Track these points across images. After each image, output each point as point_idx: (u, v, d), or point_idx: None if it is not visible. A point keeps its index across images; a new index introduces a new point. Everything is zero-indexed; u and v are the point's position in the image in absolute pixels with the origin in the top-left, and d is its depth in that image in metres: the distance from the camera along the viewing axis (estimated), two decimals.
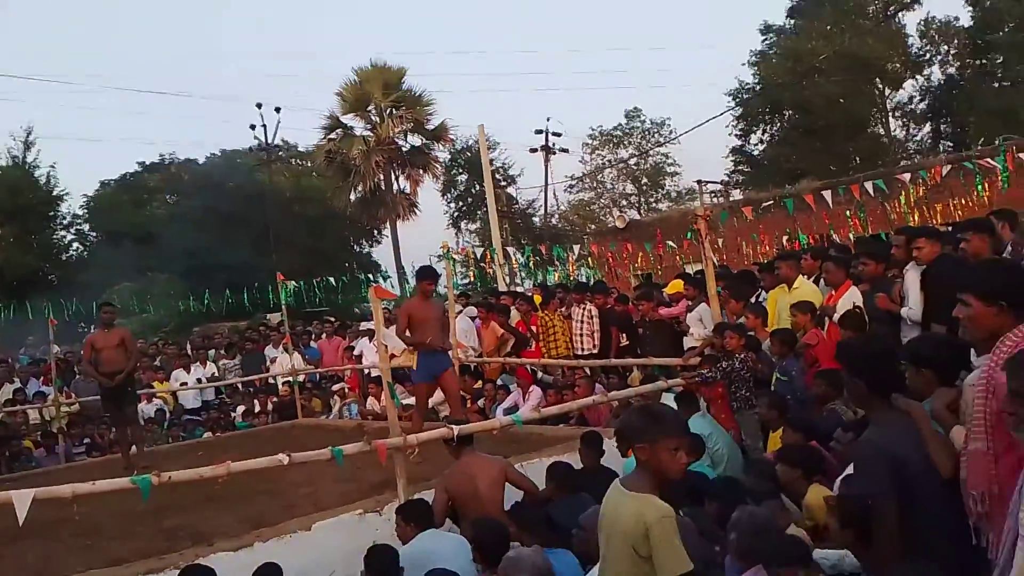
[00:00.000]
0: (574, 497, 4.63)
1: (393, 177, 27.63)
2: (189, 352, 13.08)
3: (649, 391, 6.17)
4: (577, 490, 4.72)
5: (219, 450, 8.68)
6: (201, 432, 10.99)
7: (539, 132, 31.56)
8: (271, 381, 12.02)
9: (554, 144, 32.21)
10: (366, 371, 11.43)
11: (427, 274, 7.31)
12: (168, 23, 73.13)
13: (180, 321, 22.08)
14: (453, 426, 4.78)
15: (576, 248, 17.66)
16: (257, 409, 11.54)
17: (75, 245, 29.58)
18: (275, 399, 11.60)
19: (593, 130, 38.47)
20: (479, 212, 35.52)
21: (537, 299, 10.32)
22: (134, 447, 8.28)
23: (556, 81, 68.31)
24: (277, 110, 25.97)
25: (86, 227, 30.06)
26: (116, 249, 26.78)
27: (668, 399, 6.52)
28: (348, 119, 27.15)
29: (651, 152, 37.71)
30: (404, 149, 27.42)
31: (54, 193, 27.85)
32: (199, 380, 12.11)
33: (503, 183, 34.98)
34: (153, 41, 70.94)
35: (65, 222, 29.17)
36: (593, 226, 35.74)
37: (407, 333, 6.90)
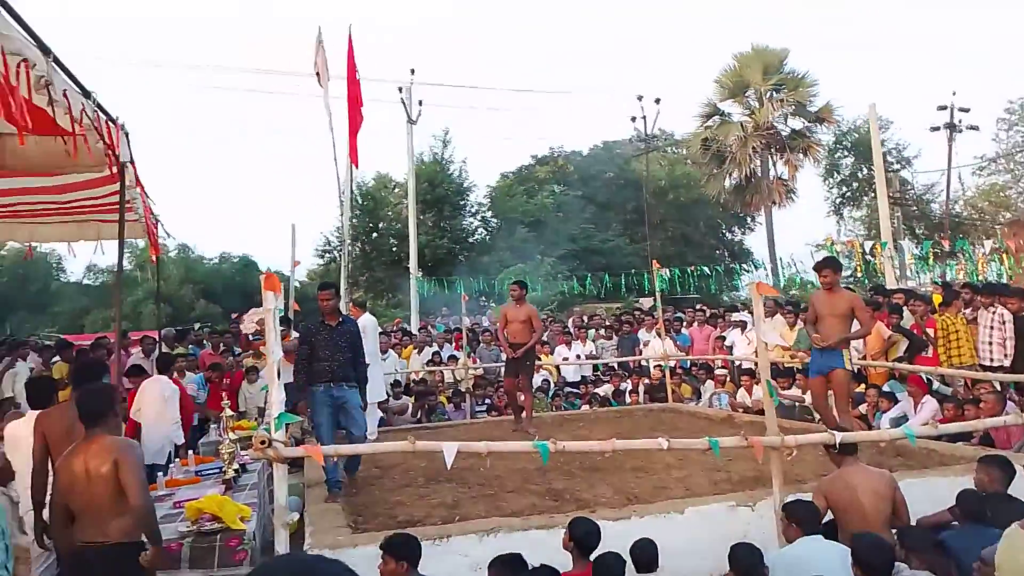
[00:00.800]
0: (974, 527, 4.19)
1: (770, 162, 26.76)
2: (571, 330, 14.16)
3: None
4: (979, 519, 4.26)
5: (597, 424, 9.34)
6: (579, 404, 11.90)
7: (942, 108, 27.88)
8: (643, 363, 12.53)
9: (960, 121, 28.22)
10: (737, 363, 11.38)
11: (821, 264, 7.11)
12: (560, 25, 78.81)
13: (562, 301, 23.98)
14: (836, 432, 4.59)
15: (987, 241, 15.34)
16: (629, 389, 12.15)
17: (479, 230, 33.63)
18: (647, 381, 12.09)
19: (1012, 103, 32.90)
20: (865, 198, 32.69)
21: (936, 299, 9.27)
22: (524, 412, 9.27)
23: (965, 51, 59.34)
24: (657, 101, 26.54)
25: (488, 214, 33.99)
26: (511, 234, 29.91)
27: None
28: (726, 105, 26.94)
29: None
30: (783, 133, 26.34)
31: (464, 185, 32.01)
32: (579, 356, 13.10)
33: (895, 166, 31.71)
34: (547, 42, 77.14)
35: (472, 210, 33.32)
36: (1008, 214, 30.75)
37: (814, 324, 6.87)
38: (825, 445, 4.72)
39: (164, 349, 10.16)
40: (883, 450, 6.36)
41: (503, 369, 9.87)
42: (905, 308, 9.41)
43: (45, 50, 4.05)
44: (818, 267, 7.10)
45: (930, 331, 8.90)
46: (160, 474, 6.35)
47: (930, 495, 5.03)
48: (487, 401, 11.68)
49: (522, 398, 9.28)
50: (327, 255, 31.70)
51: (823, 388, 7.00)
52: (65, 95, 4.32)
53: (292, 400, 5.85)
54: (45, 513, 4.48)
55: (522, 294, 9.16)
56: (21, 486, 4.79)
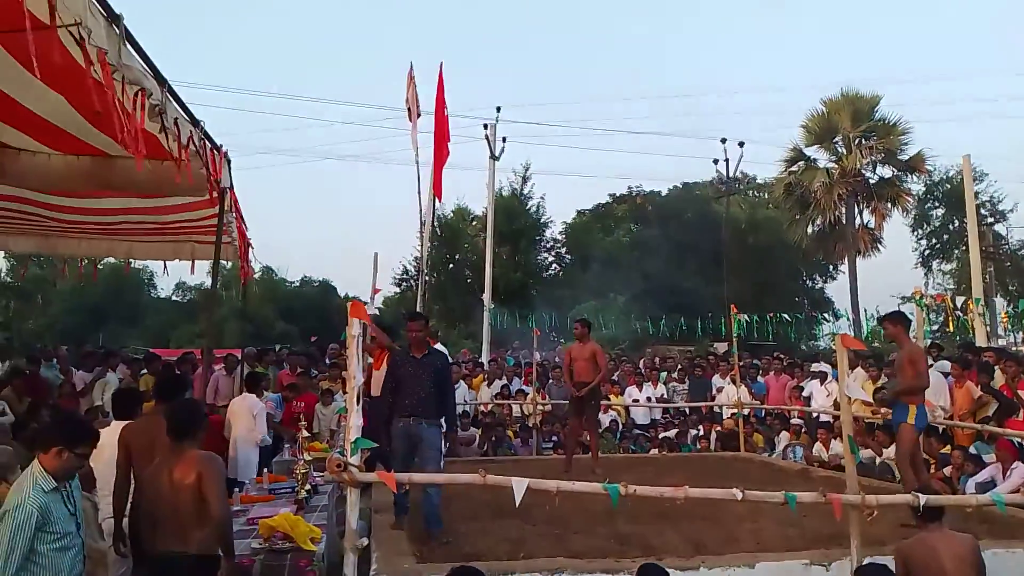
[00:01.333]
0: None
1: (856, 210, 26.08)
2: (643, 371, 13.98)
3: None
4: None
5: (666, 469, 9.15)
6: (647, 447, 11.71)
7: None
8: (716, 410, 12.26)
9: None
10: (814, 415, 11.01)
11: (880, 317, 7.03)
12: (645, 66, 79.13)
13: (634, 340, 23.75)
14: (920, 495, 4.40)
15: None
16: (700, 435, 11.89)
17: (553, 265, 33.78)
18: (719, 428, 11.82)
19: None
20: (956, 251, 31.50)
21: None
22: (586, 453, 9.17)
23: None
24: (741, 144, 26.16)
25: (563, 250, 34.12)
26: (585, 271, 29.89)
27: None
28: (812, 151, 26.52)
29: None
30: (871, 181, 25.68)
31: (541, 220, 32.26)
32: (649, 399, 12.91)
33: (989, 219, 30.50)
34: (630, 84, 77.52)
35: (547, 245, 33.55)
36: None
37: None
38: (912, 507, 4.52)
39: (247, 367, 10.49)
40: (969, 516, 6.06)
41: (568, 407, 9.78)
42: (997, 368, 8.98)
43: (161, 81, 4.34)
44: (879, 320, 7.08)
45: (1022, 393, 8.46)
46: (236, 489, 6.53)
47: (1017, 566, 4.78)
48: (554, 438, 11.61)
49: (587, 438, 9.19)
50: (404, 283, 32.30)
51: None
52: (176, 123, 4.60)
53: (375, 416, 5.87)
54: (124, 522, 4.67)
55: (585, 332, 9.16)
56: (101, 493, 4.99)
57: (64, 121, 5.00)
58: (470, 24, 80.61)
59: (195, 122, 5.15)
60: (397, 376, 6.14)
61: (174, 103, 4.58)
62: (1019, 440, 8.10)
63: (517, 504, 4.38)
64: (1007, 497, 5.17)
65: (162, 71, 4.36)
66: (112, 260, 11.61)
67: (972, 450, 8.39)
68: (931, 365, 9.17)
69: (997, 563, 4.80)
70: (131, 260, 10.99)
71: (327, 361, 12.17)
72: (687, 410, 12.49)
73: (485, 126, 20.78)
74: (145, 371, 10.65)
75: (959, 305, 10.49)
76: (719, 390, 12.47)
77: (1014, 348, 12.46)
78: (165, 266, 10.04)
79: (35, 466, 3.50)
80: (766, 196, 34.24)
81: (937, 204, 32.28)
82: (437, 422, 6.21)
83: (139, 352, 15.27)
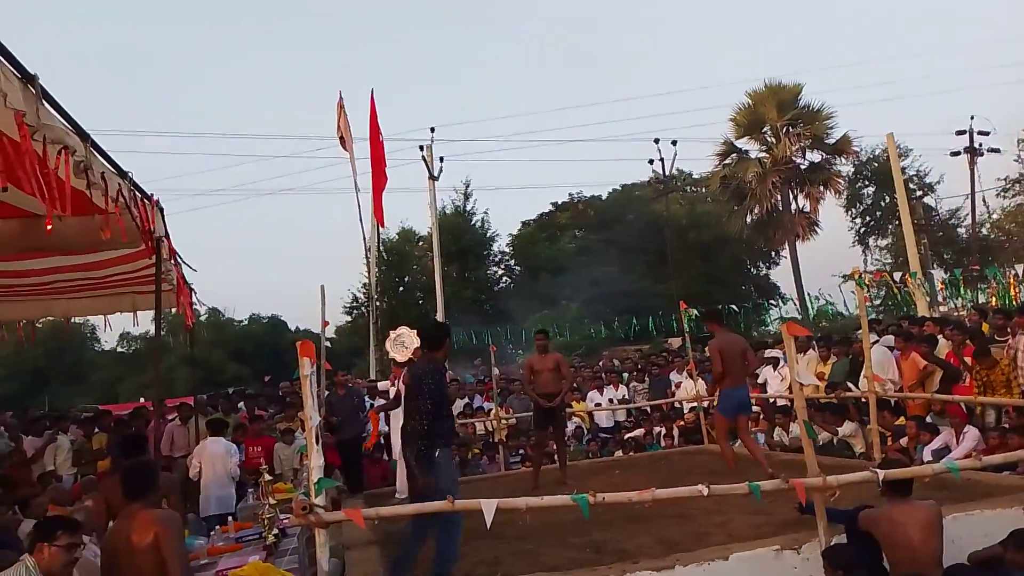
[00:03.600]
0: None
1: (791, 196, 26.79)
2: (603, 375, 14.08)
3: None
4: None
5: (633, 470, 9.23)
6: (613, 451, 11.78)
7: (961, 133, 27.84)
8: (677, 405, 12.41)
9: (981, 144, 28.13)
10: (771, 400, 11.21)
11: (700, 315, 7.67)
12: (577, 75, 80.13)
13: (590, 345, 23.93)
14: (878, 470, 4.52)
15: (1018, 265, 15.05)
16: (664, 432, 12.01)
17: (504, 279, 33.88)
18: (681, 423, 11.96)
19: None
20: (890, 226, 32.52)
21: (986, 328, 9.17)
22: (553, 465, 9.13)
23: (979, 77, 59.36)
24: (674, 143, 26.71)
25: (511, 262, 34.26)
26: (535, 281, 30.04)
27: None
28: (742, 143, 27.20)
29: None
30: (802, 167, 26.42)
31: (487, 235, 32.36)
32: (611, 401, 13.00)
33: (918, 193, 31.58)
34: (563, 94, 78.41)
35: (496, 259, 33.65)
36: None
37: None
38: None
39: (200, 415, 10.26)
40: (927, 484, 6.23)
41: (532, 421, 9.57)
42: (940, 337, 9.28)
43: (84, 136, 4.23)
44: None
45: (967, 360, 8.75)
46: (201, 542, 6.37)
47: (977, 528, 4.92)
48: (521, 452, 11.60)
49: (556, 449, 9.17)
50: (355, 311, 32.00)
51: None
52: (103, 177, 4.48)
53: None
54: None
55: (547, 343, 9.09)
56: None
57: None
58: (398, 48, 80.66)
59: (122, 174, 5.04)
60: (440, 397, 5.27)
61: (99, 157, 4.47)
62: (966, 404, 8.38)
63: (488, 525, 4.38)
64: (960, 463, 5.32)
65: (83, 126, 4.25)
66: (51, 317, 11.26)
67: (928, 419, 8.62)
68: (876, 341, 9.46)
69: (959, 527, 4.94)
70: (71, 318, 10.68)
71: (286, 400, 11.99)
72: (648, 409, 12.59)
73: (421, 147, 20.83)
74: (97, 430, 10.34)
75: (898, 280, 10.80)
76: (677, 385, 12.62)
77: (956, 314, 12.87)
78: (106, 320, 9.77)
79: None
80: (703, 191, 34.92)
81: (867, 183, 33.25)
82: None
83: (88, 411, 14.80)
